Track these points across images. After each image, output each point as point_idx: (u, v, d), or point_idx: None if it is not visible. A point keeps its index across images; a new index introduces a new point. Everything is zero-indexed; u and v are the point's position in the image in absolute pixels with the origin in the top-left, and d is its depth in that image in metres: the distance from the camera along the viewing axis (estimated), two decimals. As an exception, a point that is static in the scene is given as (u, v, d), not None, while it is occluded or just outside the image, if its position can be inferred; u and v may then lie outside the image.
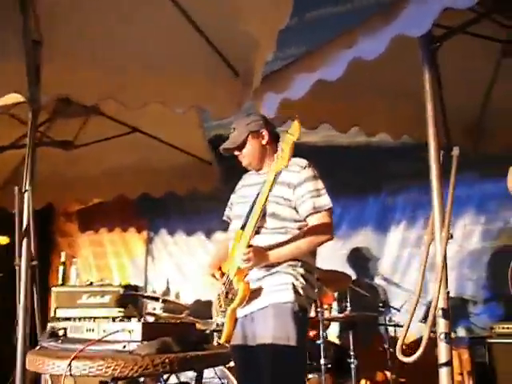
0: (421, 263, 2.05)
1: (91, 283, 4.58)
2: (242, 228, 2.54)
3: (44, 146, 3.84)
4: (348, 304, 3.55)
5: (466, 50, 3.18)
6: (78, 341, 1.96)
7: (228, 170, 4.96)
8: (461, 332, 4.28)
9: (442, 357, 1.93)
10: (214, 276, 2.65)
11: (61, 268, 4.86)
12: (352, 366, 3.46)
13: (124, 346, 1.77)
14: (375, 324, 4.23)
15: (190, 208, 5.50)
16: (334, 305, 4.27)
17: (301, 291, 2.44)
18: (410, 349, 3.95)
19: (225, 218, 2.93)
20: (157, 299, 3.92)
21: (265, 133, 2.69)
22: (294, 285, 2.44)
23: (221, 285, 2.60)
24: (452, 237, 2.04)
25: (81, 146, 4.27)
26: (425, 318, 3.98)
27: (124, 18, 2.78)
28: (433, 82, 2.20)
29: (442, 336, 1.94)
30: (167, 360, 1.68)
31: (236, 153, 2.75)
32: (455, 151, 2.14)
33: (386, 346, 3.80)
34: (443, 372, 1.92)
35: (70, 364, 1.63)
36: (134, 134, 4.55)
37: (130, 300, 4.50)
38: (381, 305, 3.74)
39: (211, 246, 5.46)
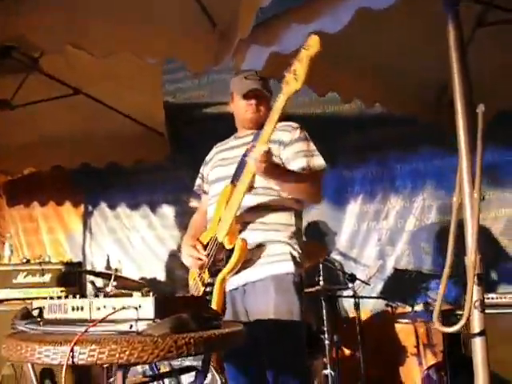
0: (451, 230, 1.88)
1: (28, 261, 4.12)
2: (233, 183, 2.31)
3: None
4: (321, 277, 3.38)
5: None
6: (65, 322, 1.63)
7: (178, 140, 4.68)
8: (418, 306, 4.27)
9: (476, 326, 1.78)
10: (194, 247, 2.37)
11: (-10, 246, 4.35)
12: (326, 342, 3.30)
13: (131, 326, 1.47)
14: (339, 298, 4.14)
15: (134, 180, 5.12)
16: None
17: (298, 261, 2.25)
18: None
19: (196, 188, 2.72)
20: (109, 276, 3.56)
21: (271, 97, 2.50)
22: (292, 254, 2.24)
23: (202, 257, 2.34)
24: (484, 198, 1.88)
25: (18, 106, 3.80)
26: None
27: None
28: (457, 41, 2.05)
29: (477, 304, 1.78)
30: (192, 341, 1.39)
31: (254, 101, 2.48)
32: (480, 108, 1.98)
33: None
34: (477, 342, 1.78)
35: (72, 349, 1.31)
36: (78, 97, 4.10)
37: (72, 278, 4.11)
38: (349, 278, 3.60)
39: (156, 220, 5.13)
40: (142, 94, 3.78)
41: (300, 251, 2.30)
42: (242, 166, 2.32)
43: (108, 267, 4.97)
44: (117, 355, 1.31)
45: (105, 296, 2.01)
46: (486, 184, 4.23)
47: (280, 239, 2.26)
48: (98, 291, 3.57)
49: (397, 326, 4.23)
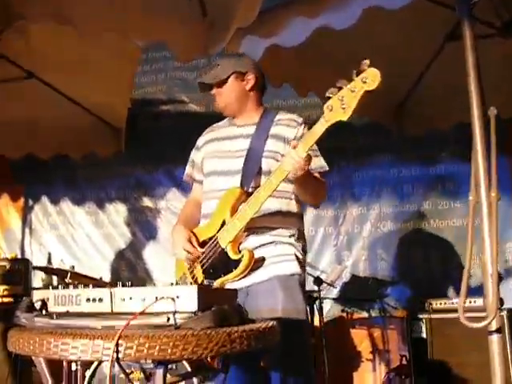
0: (469, 229, 1.89)
1: (-34, 256, 3.77)
2: (242, 186, 2.20)
3: None
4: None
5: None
6: (80, 315, 1.46)
7: (131, 135, 4.47)
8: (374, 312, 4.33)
9: (492, 324, 1.79)
10: (190, 242, 2.24)
11: None
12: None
13: (168, 319, 1.33)
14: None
15: (81, 174, 4.85)
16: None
17: (302, 262, 2.20)
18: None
19: (186, 177, 2.55)
20: (64, 273, 3.31)
21: (251, 77, 2.37)
22: (297, 256, 2.18)
23: (198, 253, 2.22)
24: (500, 198, 1.91)
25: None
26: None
27: None
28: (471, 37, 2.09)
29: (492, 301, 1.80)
30: (244, 334, 1.29)
31: (213, 91, 2.39)
32: (492, 111, 2.02)
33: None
34: (493, 340, 1.79)
35: (117, 344, 1.16)
36: (30, 82, 3.81)
37: (18, 275, 3.79)
38: (315, 282, 3.58)
39: (104, 218, 4.88)
40: (110, 86, 3.54)
41: (304, 253, 2.24)
42: (251, 165, 2.22)
43: (49, 266, 4.65)
44: (169, 350, 1.17)
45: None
46: (441, 194, 4.39)
47: (285, 240, 2.19)
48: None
49: (352, 331, 4.27)
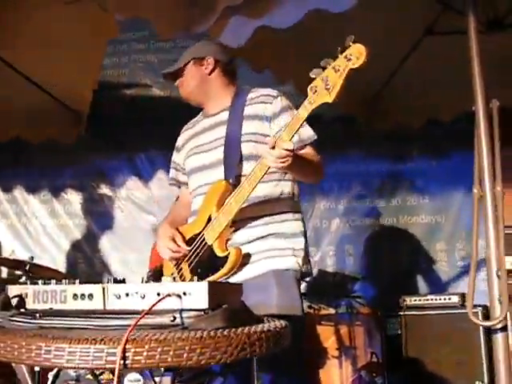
0: (474, 222, 1.81)
1: None
2: (226, 177, 2.05)
3: None
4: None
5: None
6: (63, 313, 1.27)
7: (91, 121, 4.21)
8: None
9: (498, 321, 1.72)
10: (173, 240, 2.08)
11: None
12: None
13: (173, 319, 1.17)
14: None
15: (36, 161, 4.54)
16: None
17: (300, 257, 2.05)
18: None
19: (171, 182, 2.41)
20: (21, 265, 3.05)
21: (210, 60, 2.25)
22: (293, 250, 2.04)
23: (183, 250, 2.07)
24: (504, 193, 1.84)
25: None
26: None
27: None
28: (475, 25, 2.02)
29: (501, 298, 1.73)
30: (263, 336, 1.14)
31: (176, 82, 2.29)
32: (494, 103, 1.96)
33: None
34: (498, 337, 1.72)
35: (124, 349, 0.99)
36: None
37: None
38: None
39: (59, 207, 4.60)
40: (77, 65, 3.28)
41: (303, 247, 2.09)
42: (231, 152, 2.07)
43: (-2, 257, 4.33)
44: (185, 355, 1.01)
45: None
46: (409, 190, 4.37)
47: (282, 234, 2.05)
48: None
49: (319, 327, 4.18)
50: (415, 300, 3.40)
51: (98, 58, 3.26)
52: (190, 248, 2.06)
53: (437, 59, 3.68)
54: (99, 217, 4.60)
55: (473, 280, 1.75)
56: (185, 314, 1.18)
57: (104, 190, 4.63)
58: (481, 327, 3.11)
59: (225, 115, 2.18)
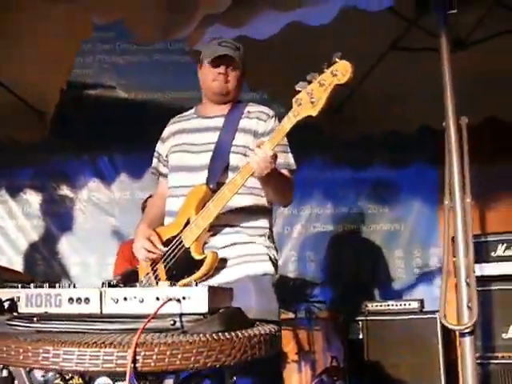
0: (444, 231, 1.91)
1: None
2: (208, 183, 2.07)
3: None
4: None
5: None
6: (60, 317, 1.27)
7: (53, 121, 4.13)
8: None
9: (466, 326, 1.82)
10: (150, 241, 2.09)
11: None
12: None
13: (173, 323, 1.19)
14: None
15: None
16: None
17: (275, 262, 2.12)
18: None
19: (152, 171, 2.39)
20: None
21: (243, 69, 2.21)
22: (269, 255, 2.09)
23: (158, 252, 2.08)
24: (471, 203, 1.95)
25: None
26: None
27: None
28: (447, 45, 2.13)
29: (470, 304, 1.83)
30: (262, 339, 1.18)
31: (224, 69, 2.16)
32: (463, 120, 2.07)
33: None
34: (466, 340, 1.83)
35: (134, 352, 1.01)
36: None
37: None
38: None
39: (17, 208, 4.49)
40: (47, 65, 3.22)
41: (275, 253, 2.15)
42: (219, 160, 2.10)
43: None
44: (192, 358, 1.04)
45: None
46: (371, 199, 4.51)
47: (256, 240, 2.09)
48: None
49: (280, 331, 4.24)
50: (376, 305, 3.51)
51: (70, 59, 3.20)
52: (166, 249, 2.07)
53: (400, 73, 3.82)
54: (59, 218, 4.51)
55: (445, 287, 1.84)
56: (184, 318, 1.21)
57: (65, 191, 4.56)
58: (438, 332, 3.24)
59: (219, 121, 2.19)
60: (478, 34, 3.12)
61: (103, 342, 1.04)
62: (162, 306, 1.17)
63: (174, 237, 2.07)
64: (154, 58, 4.59)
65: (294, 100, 1.82)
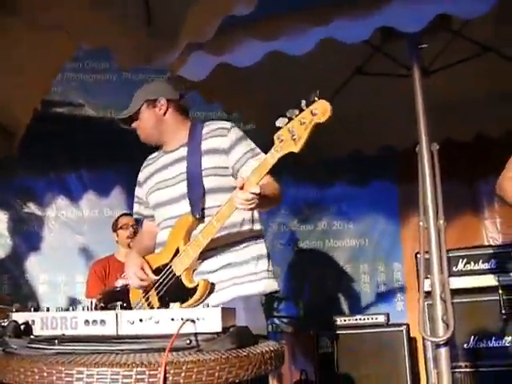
0: (420, 251, 2.07)
1: None
2: (193, 213, 2.15)
3: None
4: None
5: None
6: (78, 339, 1.34)
7: (25, 137, 4.13)
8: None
9: (441, 339, 1.98)
10: (142, 269, 2.17)
11: None
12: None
13: (189, 342, 1.28)
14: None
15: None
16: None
17: (265, 280, 2.20)
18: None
19: (135, 216, 2.51)
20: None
21: (163, 102, 2.29)
22: (256, 274, 2.18)
23: (150, 279, 2.16)
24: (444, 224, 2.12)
25: None
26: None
27: None
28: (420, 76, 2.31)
29: (445, 318, 1.99)
30: (273, 355, 1.28)
31: (133, 125, 2.33)
32: (434, 147, 2.24)
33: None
34: (442, 351, 1.98)
35: (165, 370, 1.10)
36: None
37: None
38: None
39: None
40: (20, 91, 3.22)
41: (265, 269, 2.23)
42: (194, 187, 2.17)
43: None
44: (216, 374, 1.14)
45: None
46: (335, 215, 4.68)
47: (244, 261, 2.18)
48: None
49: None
50: (345, 320, 3.66)
51: (48, 82, 3.23)
52: (157, 277, 2.15)
53: (364, 97, 4.02)
54: (27, 236, 4.48)
55: (422, 304, 2.00)
56: (199, 337, 1.30)
57: (32, 208, 4.52)
58: (405, 343, 3.41)
59: (183, 151, 2.27)
60: (438, 63, 3.34)
61: (134, 362, 1.12)
62: (182, 325, 1.26)
63: (165, 265, 2.15)
64: (123, 76, 4.63)
65: (275, 136, 1.83)
